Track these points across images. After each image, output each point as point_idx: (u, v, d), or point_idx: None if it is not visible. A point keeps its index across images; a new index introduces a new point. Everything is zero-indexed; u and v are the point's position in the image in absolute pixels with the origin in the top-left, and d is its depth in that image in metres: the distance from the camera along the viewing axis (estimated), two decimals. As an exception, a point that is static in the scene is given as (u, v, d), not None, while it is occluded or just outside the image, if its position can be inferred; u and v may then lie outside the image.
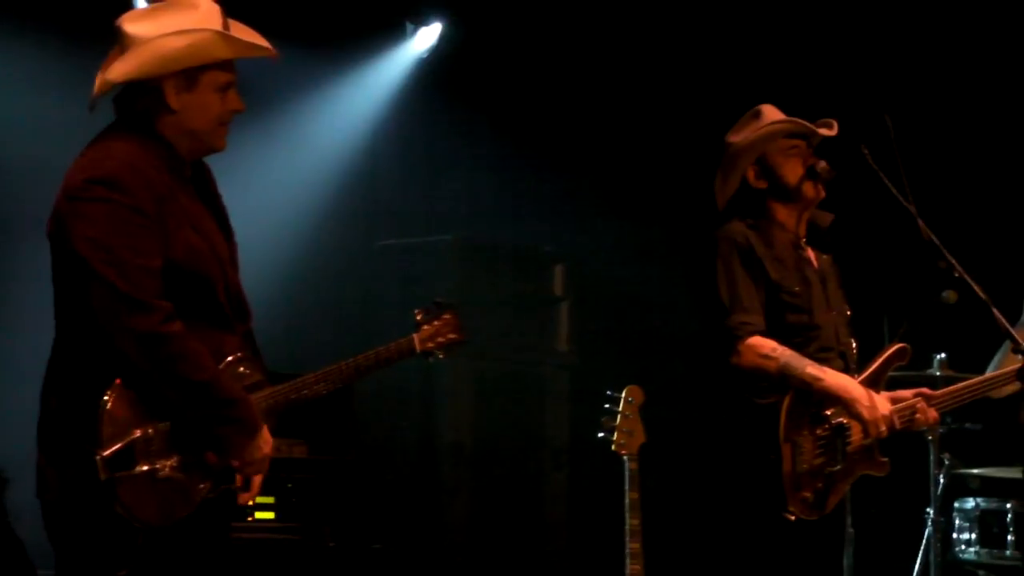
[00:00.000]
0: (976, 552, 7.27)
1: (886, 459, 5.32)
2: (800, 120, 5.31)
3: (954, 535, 7.35)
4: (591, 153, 9.34)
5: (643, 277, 9.43)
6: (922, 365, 7.06)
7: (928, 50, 8.63)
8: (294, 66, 7.86)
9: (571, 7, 9.08)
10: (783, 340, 5.14)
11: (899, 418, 5.27)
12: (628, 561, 5.38)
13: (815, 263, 5.39)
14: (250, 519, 6.91)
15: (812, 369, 5.09)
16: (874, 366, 5.33)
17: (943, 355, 7.10)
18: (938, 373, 7.01)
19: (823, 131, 5.31)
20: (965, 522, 7.32)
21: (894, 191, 5.19)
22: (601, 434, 5.41)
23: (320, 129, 9.02)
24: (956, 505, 7.39)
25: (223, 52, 4.19)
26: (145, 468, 4.06)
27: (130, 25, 4.21)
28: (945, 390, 5.50)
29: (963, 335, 6.83)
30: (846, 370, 5.28)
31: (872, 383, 5.28)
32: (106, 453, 4.02)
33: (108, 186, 4.06)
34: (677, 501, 7.62)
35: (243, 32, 4.31)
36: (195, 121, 4.22)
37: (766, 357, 5.09)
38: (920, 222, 5.17)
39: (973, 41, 8.58)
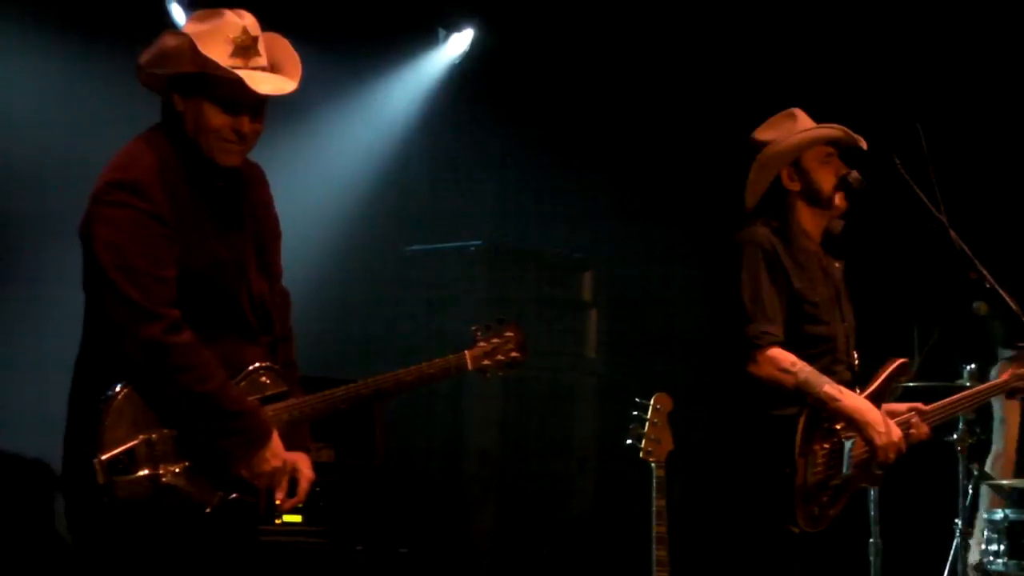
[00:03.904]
0: (1004, 563, 7.23)
1: (880, 472, 5.30)
2: (845, 129, 5.29)
3: (982, 546, 7.32)
4: (621, 159, 9.34)
5: (673, 283, 9.41)
6: (952, 376, 7.04)
7: (960, 59, 8.60)
8: (327, 71, 7.88)
9: (602, 14, 9.07)
10: (801, 350, 5.12)
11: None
12: (655, 569, 5.38)
13: (831, 271, 5.38)
14: (277, 522, 6.91)
15: (829, 388, 5.07)
16: (878, 381, 5.33)
17: (973, 366, 7.07)
18: (968, 384, 6.98)
19: (863, 143, 5.29)
20: (993, 533, 7.29)
21: (926, 201, 5.17)
22: (629, 441, 5.40)
23: (351, 134, 9.02)
24: (985, 516, 7.36)
25: (187, 62, 4.15)
26: (146, 473, 4.05)
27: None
28: (936, 404, 5.50)
29: (993, 346, 6.81)
30: (853, 381, 5.28)
31: (876, 398, 5.28)
32: (104, 457, 4.02)
33: (129, 191, 4.07)
34: (703, 509, 7.61)
35: (278, 54, 4.29)
36: (194, 130, 4.20)
37: (785, 371, 5.06)
38: (952, 232, 5.16)
39: (1005, 51, 8.55)
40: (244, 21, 4.23)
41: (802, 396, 5.06)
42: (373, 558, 7.17)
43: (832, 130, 5.28)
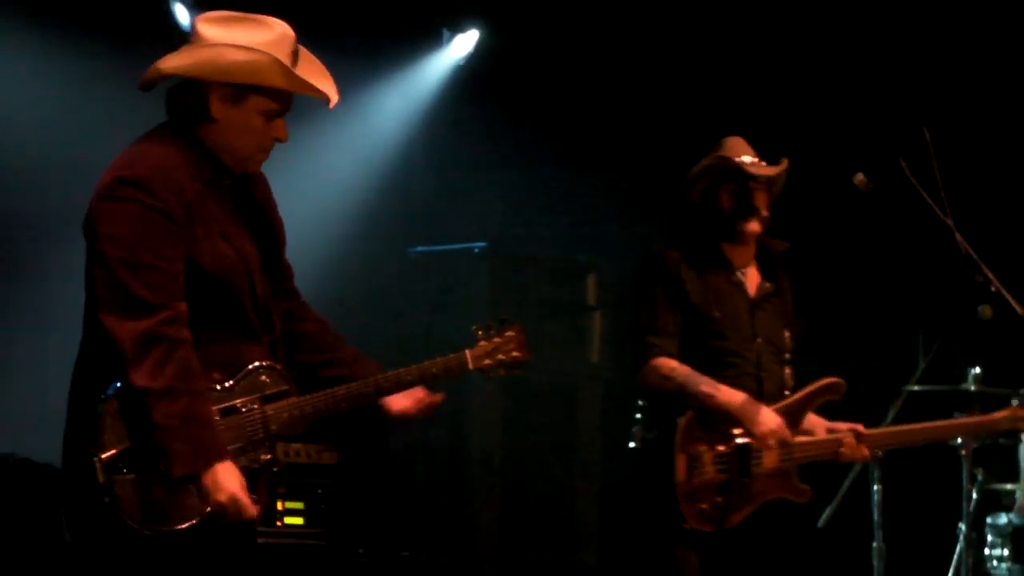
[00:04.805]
0: (1008, 568, 7.22)
1: (806, 487, 5.44)
2: (728, 158, 5.44)
3: (986, 551, 7.30)
4: (627, 161, 9.33)
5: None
6: (957, 379, 7.03)
7: (966, 62, 8.59)
8: (329, 72, 7.88)
9: (607, 15, 9.06)
10: (700, 362, 5.35)
11: (810, 442, 5.40)
12: (658, 573, 5.37)
13: (751, 291, 5.51)
14: (279, 524, 6.90)
15: (706, 387, 5.29)
16: (796, 396, 5.46)
17: (978, 370, 7.06)
18: (973, 388, 6.97)
19: (758, 171, 5.37)
20: (997, 538, 7.27)
21: (932, 204, 5.17)
22: (632, 444, 5.41)
23: (355, 135, 9.02)
24: (989, 521, 7.34)
25: (278, 80, 4.15)
26: (148, 472, 4.04)
27: (204, 24, 4.20)
28: (881, 430, 5.68)
29: (999, 350, 6.79)
30: (760, 396, 5.40)
31: (791, 413, 5.39)
32: (104, 456, 4.00)
33: (136, 187, 4.05)
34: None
35: (311, 64, 4.29)
36: (233, 137, 4.19)
37: (665, 378, 5.32)
38: (958, 235, 5.16)
39: (1011, 54, 8.54)
40: (288, 31, 4.23)
41: (686, 401, 5.28)
42: (374, 561, 7.16)
43: (715, 160, 5.47)
